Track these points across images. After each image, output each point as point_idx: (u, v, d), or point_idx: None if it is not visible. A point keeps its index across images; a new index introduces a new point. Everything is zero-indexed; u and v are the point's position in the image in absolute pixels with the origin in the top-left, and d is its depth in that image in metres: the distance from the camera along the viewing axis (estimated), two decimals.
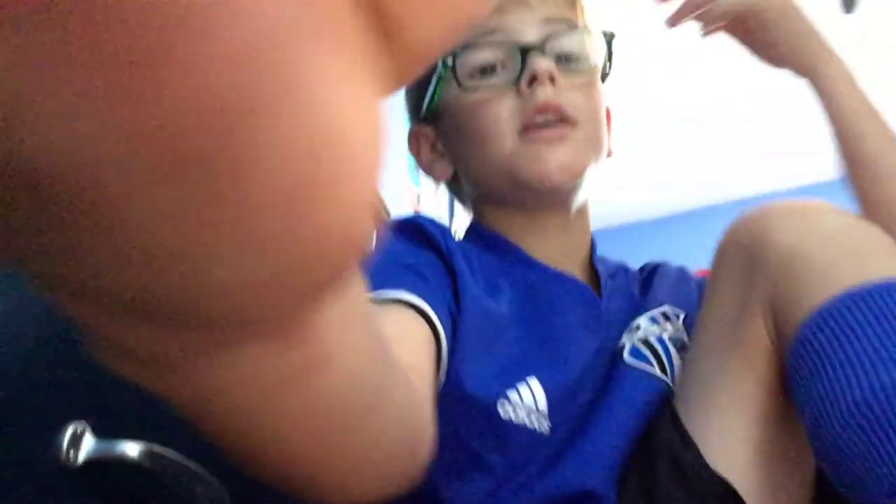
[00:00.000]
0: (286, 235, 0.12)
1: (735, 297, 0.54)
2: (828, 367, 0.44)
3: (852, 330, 0.44)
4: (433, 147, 0.74)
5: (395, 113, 2.08)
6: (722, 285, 0.55)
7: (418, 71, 0.14)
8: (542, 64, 0.63)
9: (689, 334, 0.67)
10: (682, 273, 0.77)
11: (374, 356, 0.24)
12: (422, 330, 0.50)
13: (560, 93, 0.64)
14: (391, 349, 0.28)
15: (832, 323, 0.45)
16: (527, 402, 0.57)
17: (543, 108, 0.63)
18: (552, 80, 0.63)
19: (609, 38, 0.70)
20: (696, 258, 0.81)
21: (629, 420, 0.59)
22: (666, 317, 0.68)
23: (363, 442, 0.25)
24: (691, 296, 0.73)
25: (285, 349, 0.17)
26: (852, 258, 0.45)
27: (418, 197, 2.05)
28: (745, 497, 0.51)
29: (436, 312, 0.51)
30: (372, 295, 0.50)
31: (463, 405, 0.54)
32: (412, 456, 0.31)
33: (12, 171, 0.10)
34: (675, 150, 3.29)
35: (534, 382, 0.58)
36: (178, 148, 0.10)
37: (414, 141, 0.76)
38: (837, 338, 0.44)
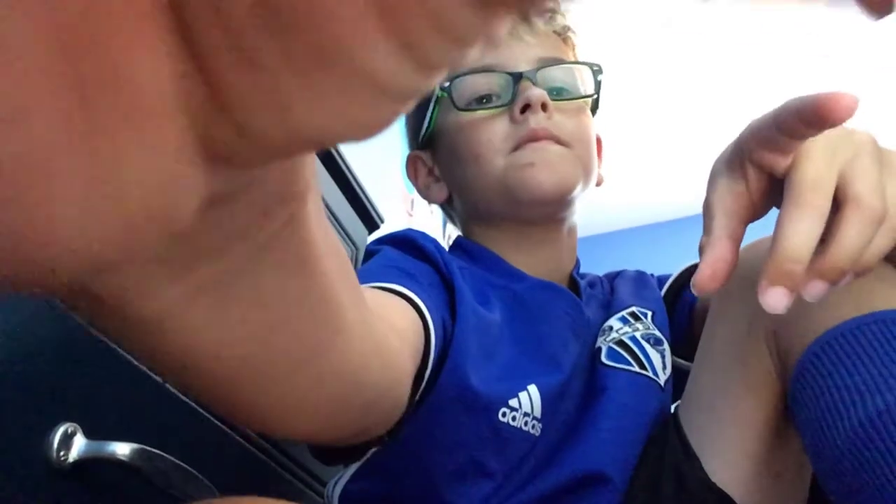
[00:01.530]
0: None
1: (740, 322, 0.55)
2: (832, 388, 0.46)
3: (856, 355, 0.45)
4: (430, 171, 0.77)
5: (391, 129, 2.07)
6: (727, 309, 0.57)
7: (265, 158, 0.13)
8: (535, 92, 0.65)
9: (660, 331, 0.70)
10: (641, 276, 0.80)
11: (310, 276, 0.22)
12: (410, 312, 0.50)
13: (551, 120, 0.66)
14: (358, 291, 0.27)
15: (836, 348, 0.46)
16: (524, 407, 0.58)
17: (534, 136, 0.65)
18: (544, 107, 0.65)
19: (597, 71, 0.72)
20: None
21: (617, 417, 0.61)
22: (635, 316, 0.71)
23: (308, 372, 0.25)
24: (655, 294, 0.76)
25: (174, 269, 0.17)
26: (856, 290, 0.46)
27: (412, 202, 2.06)
28: None
29: (427, 310, 0.51)
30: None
31: (467, 413, 0.55)
32: (367, 406, 0.31)
33: None
34: (661, 158, 3.30)
35: (532, 389, 0.59)
36: None
37: (412, 166, 0.79)
38: (842, 361, 0.46)
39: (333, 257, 0.23)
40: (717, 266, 0.42)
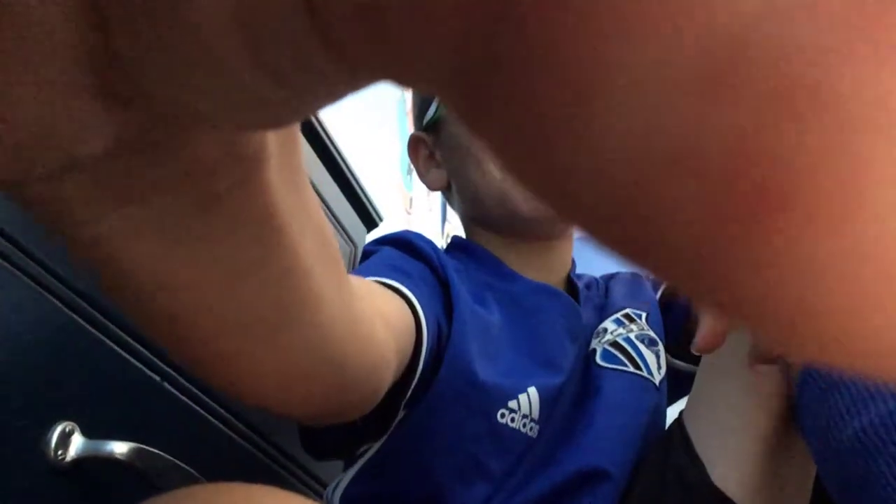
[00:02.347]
0: None
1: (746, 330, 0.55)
2: (836, 393, 0.46)
3: None
4: (431, 156, 0.76)
5: (389, 118, 2.05)
6: None
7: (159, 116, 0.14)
8: None
9: (654, 331, 0.70)
10: (636, 277, 0.80)
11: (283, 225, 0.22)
12: (401, 306, 0.49)
13: None
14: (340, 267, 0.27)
15: None
16: (523, 409, 0.58)
17: None
18: None
19: None
20: None
21: (613, 416, 0.62)
22: (629, 318, 0.71)
23: (272, 340, 0.25)
24: (649, 295, 0.76)
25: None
26: None
27: (410, 201, 2.06)
28: None
29: (420, 305, 0.50)
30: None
31: (467, 412, 0.55)
32: (340, 386, 0.30)
33: None
34: None
35: (532, 391, 0.59)
36: None
37: (413, 147, 0.78)
38: None
39: (310, 233, 0.23)
40: (712, 339, 0.48)
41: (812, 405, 0.48)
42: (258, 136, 0.18)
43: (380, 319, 0.36)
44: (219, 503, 0.25)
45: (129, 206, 0.18)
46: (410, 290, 0.51)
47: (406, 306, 0.50)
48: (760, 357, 0.44)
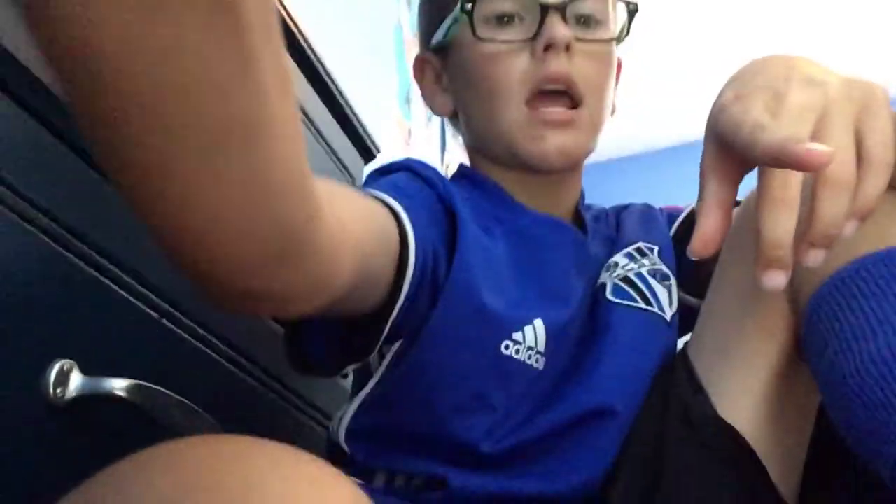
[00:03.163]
0: None
1: (753, 263, 0.54)
2: (844, 325, 0.45)
3: (869, 289, 0.45)
4: (438, 78, 0.73)
5: (385, 47, 2.00)
6: (740, 251, 0.55)
7: None
8: (560, 31, 0.61)
9: (667, 266, 0.69)
10: (647, 209, 0.78)
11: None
12: (384, 214, 0.49)
13: (573, 62, 0.63)
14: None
15: (850, 284, 0.46)
16: (529, 341, 0.58)
17: (555, 79, 0.63)
18: (568, 48, 0.62)
19: (633, 10, 0.68)
20: (683, 193, 0.80)
21: (623, 353, 0.61)
22: (641, 252, 0.70)
23: (233, 171, 0.26)
24: (662, 229, 0.75)
25: None
26: (870, 227, 0.45)
27: (409, 131, 2.02)
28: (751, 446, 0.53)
29: (410, 222, 0.49)
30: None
31: (470, 343, 0.55)
32: (296, 261, 0.31)
33: None
34: (662, 84, 3.25)
35: (538, 323, 0.59)
36: None
37: (419, 67, 0.75)
38: (855, 297, 0.46)
39: (268, 42, 0.25)
40: (708, 236, 0.45)
41: (820, 333, 0.47)
42: None
43: (336, 204, 0.36)
44: (206, 462, 0.25)
45: None
46: (403, 205, 0.50)
47: (392, 219, 0.49)
48: (766, 261, 0.43)
